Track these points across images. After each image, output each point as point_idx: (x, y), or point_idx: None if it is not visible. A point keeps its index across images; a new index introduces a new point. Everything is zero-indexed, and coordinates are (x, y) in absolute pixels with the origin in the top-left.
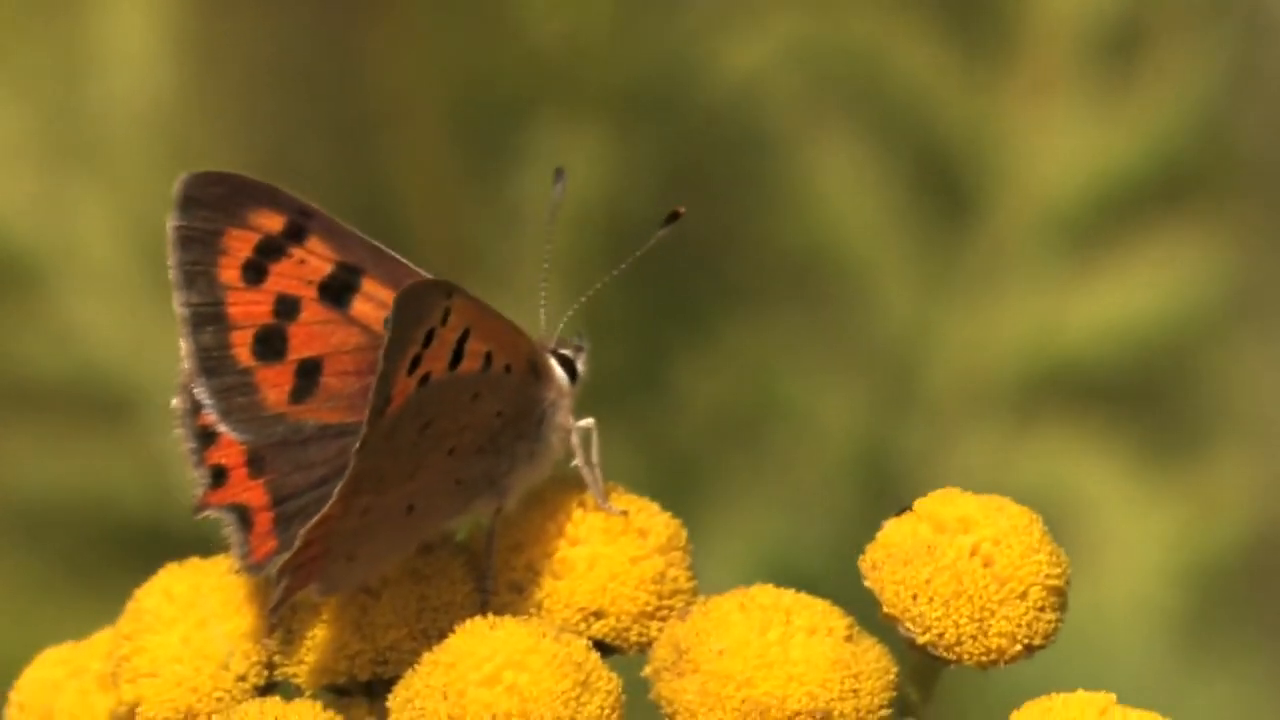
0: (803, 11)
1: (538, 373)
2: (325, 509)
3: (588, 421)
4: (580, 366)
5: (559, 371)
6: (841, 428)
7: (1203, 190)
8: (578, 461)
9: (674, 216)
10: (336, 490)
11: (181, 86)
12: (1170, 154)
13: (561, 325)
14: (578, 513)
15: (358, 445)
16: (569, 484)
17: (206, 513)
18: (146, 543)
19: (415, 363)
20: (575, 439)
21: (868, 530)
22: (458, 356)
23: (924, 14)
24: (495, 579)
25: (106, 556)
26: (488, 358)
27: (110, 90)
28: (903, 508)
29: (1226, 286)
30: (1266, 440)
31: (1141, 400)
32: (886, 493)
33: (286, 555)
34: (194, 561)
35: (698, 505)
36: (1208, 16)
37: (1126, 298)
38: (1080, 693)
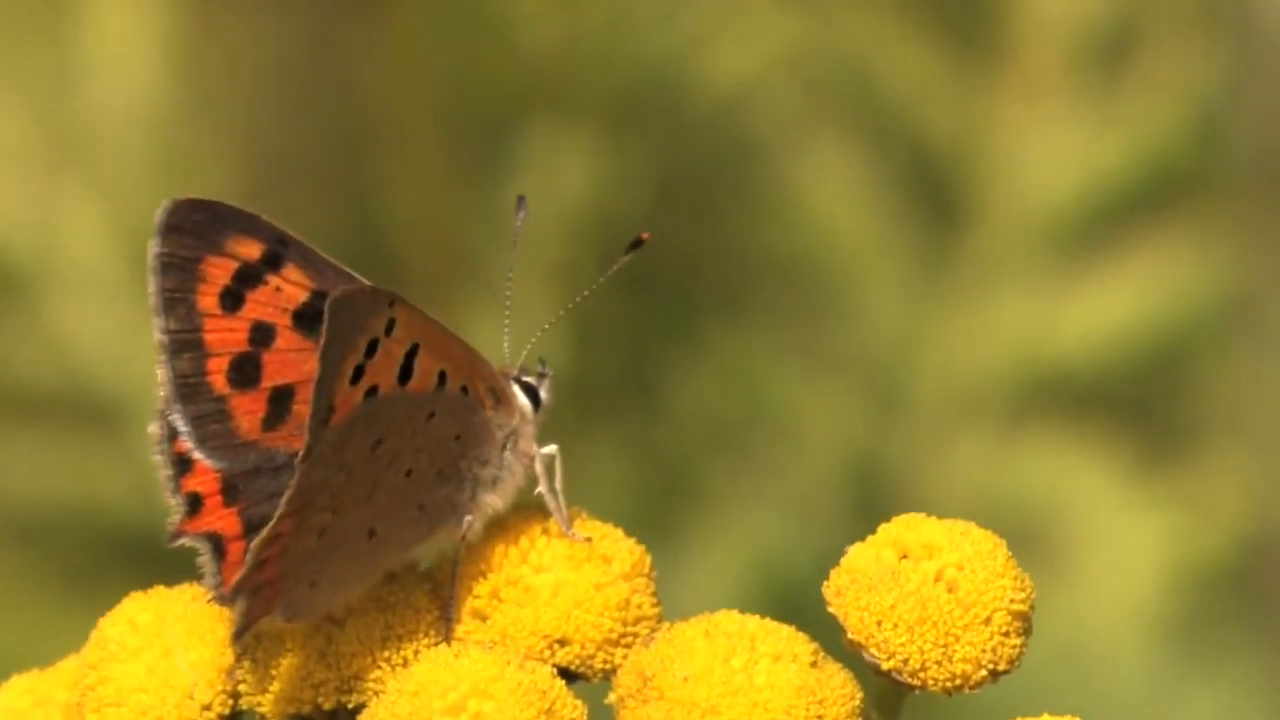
0: (795, 18)
1: (499, 398)
2: (273, 523)
3: (551, 448)
4: (544, 393)
5: (522, 398)
6: (831, 434)
7: (1195, 194)
8: (541, 488)
9: (638, 243)
10: (283, 501)
11: (173, 93)
12: (1163, 158)
13: (525, 352)
14: (542, 540)
15: (301, 455)
16: (533, 511)
17: (181, 541)
18: (138, 550)
19: (359, 373)
20: (539, 466)
21: (857, 537)
22: (407, 372)
23: (916, 20)
24: (459, 607)
25: (98, 564)
26: (441, 376)
27: (102, 97)
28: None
29: (1220, 291)
30: (1260, 446)
31: (1134, 406)
32: (876, 500)
33: (241, 574)
34: (159, 590)
35: (687, 513)
36: (1200, 20)
37: (1119, 303)
38: (1046, 717)
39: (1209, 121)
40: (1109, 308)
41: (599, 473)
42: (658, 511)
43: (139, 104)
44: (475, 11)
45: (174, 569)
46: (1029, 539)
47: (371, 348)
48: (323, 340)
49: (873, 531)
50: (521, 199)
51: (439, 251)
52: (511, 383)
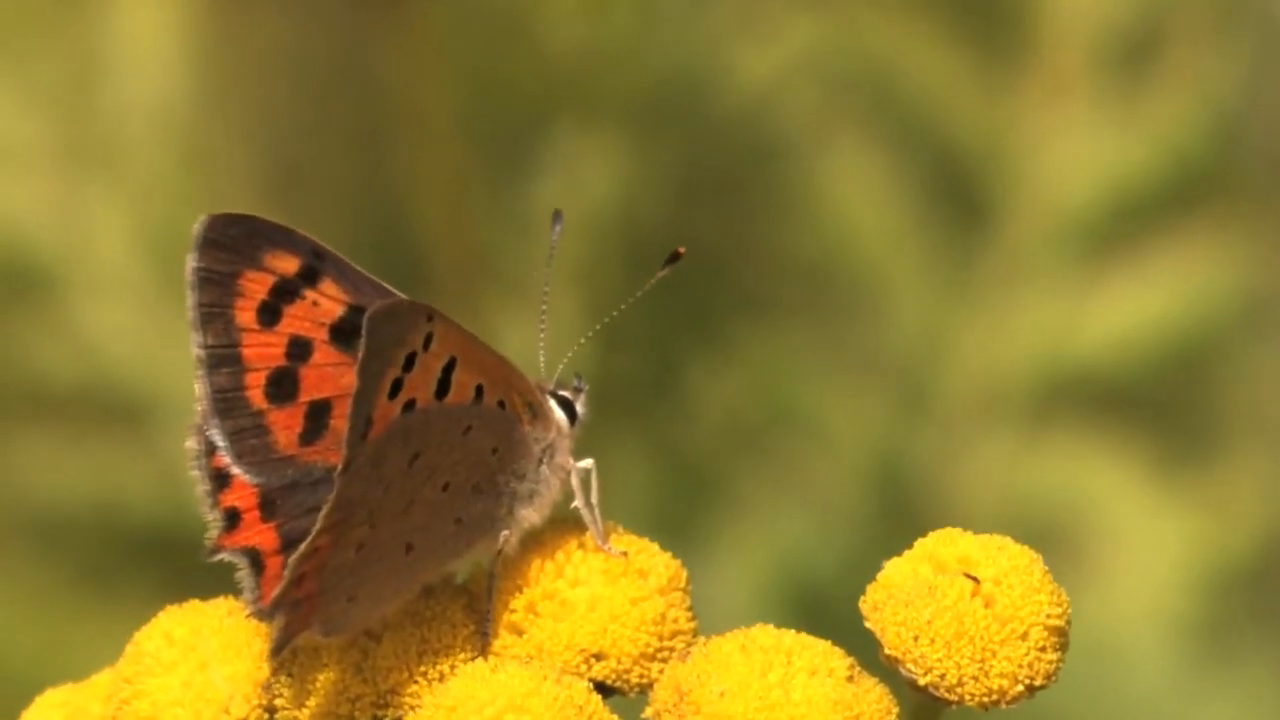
0: (818, 20)
1: (535, 412)
2: (311, 538)
3: (587, 462)
4: (580, 408)
5: (558, 412)
6: (856, 435)
7: (1218, 196)
8: (577, 502)
9: (675, 257)
10: (321, 515)
11: (197, 91)
12: (1185, 159)
13: (561, 366)
14: (578, 554)
15: (340, 469)
16: (568, 525)
17: (220, 556)
18: (160, 551)
19: (397, 387)
20: (575, 480)
21: (882, 538)
22: (445, 386)
23: (939, 21)
24: (496, 621)
25: (120, 563)
26: (479, 390)
27: (125, 95)
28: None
29: (1242, 292)
30: None
31: (1157, 406)
32: (901, 501)
33: (279, 589)
34: (194, 604)
35: (712, 514)
36: (1222, 22)
37: (1142, 304)
38: None
39: (1230, 123)
40: (1131, 309)
41: (623, 475)
42: (682, 514)
43: (162, 104)
44: (499, 13)
45: (197, 572)
46: (1052, 539)
47: (409, 362)
48: (361, 354)
49: (897, 533)
50: (558, 214)
51: (462, 254)
52: (548, 397)
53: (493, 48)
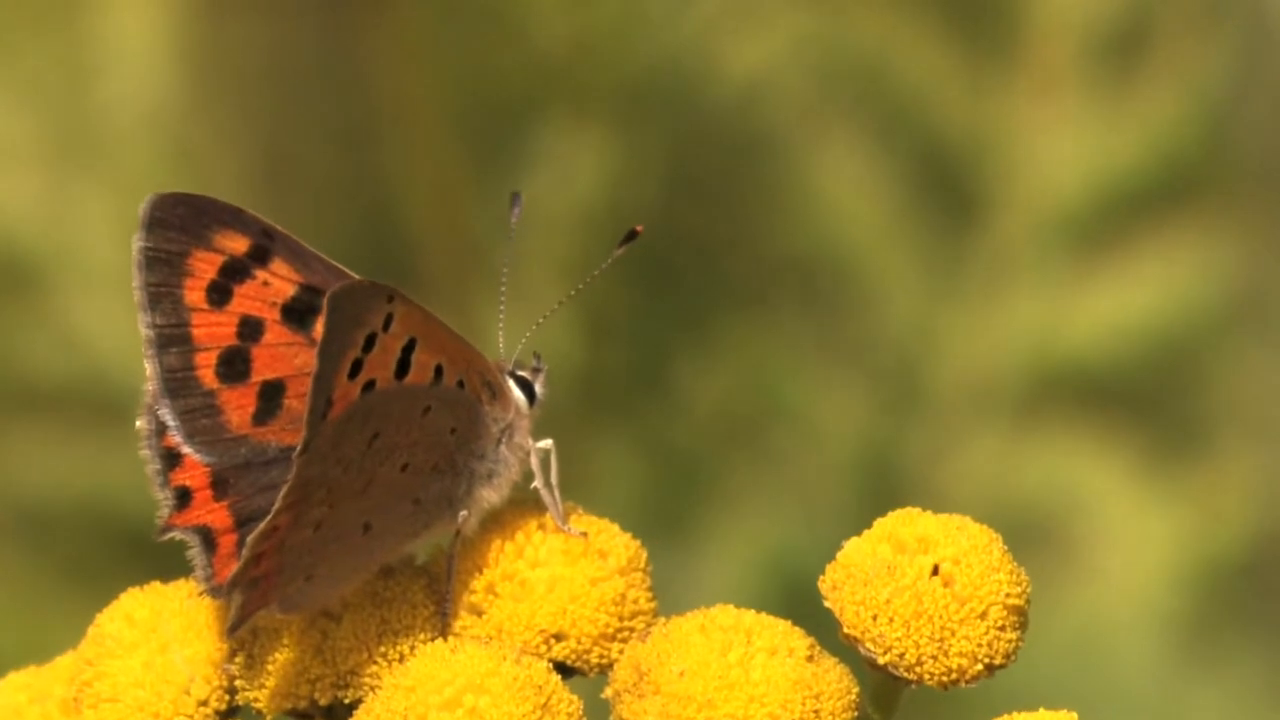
0: (807, 13)
1: (494, 392)
2: (271, 517)
3: (546, 443)
4: (539, 388)
5: (517, 392)
6: (845, 429)
7: (1206, 191)
8: (537, 483)
9: (631, 235)
10: (280, 496)
11: (185, 89)
12: (1174, 155)
13: (520, 345)
14: (537, 535)
15: (299, 449)
16: (528, 506)
17: (171, 534)
18: (148, 545)
19: (357, 368)
20: (534, 460)
21: None
22: (404, 367)
23: (929, 16)
24: (455, 602)
25: (108, 559)
26: (438, 370)
27: (114, 93)
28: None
29: (1230, 287)
30: (1270, 442)
31: (1145, 402)
32: (890, 494)
33: (237, 568)
34: (155, 586)
35: (700, 507)
36: (1210, 18)
37: (1130, 299)
38: (1042, 712)
39: (1219, 118)
40: (1121, 304)
41: (613, 467)
42: (672, 506)
43: (151, 101)
44: (488, 7)
45: (186, 567)
46: (1041, 534)
47: (369, 342)
48: (323, 335)
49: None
50: (516, 195)
51: (453, 247)
52: (506, 377)
53: (481, 42)
